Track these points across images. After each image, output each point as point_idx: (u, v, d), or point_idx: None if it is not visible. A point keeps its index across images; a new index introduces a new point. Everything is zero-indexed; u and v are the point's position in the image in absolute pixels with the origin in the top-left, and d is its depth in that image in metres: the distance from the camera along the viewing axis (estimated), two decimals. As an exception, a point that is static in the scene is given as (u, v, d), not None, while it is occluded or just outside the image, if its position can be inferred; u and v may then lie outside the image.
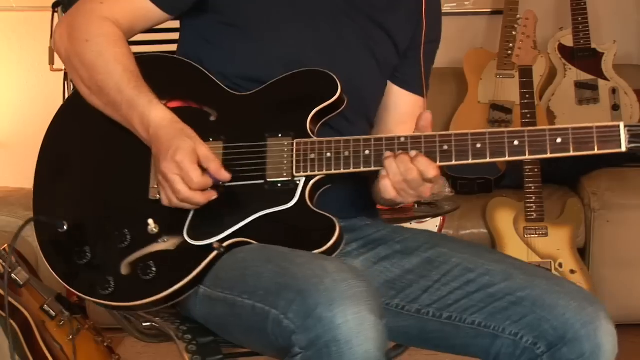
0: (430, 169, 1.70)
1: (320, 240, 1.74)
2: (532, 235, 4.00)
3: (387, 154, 1.72)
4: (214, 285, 1.78)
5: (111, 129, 1.89)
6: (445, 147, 1.70)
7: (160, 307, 1.85)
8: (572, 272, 3.95)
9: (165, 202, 1.78)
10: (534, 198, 4.01)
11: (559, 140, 1.63)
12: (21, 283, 2.97)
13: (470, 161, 1.69)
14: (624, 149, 1.59)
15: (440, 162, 1.70)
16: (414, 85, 2.07)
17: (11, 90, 5.13)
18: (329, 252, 1.74)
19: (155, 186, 1.84)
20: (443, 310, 1.81)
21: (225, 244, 1.78)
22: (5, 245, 2.97)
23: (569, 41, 4.70)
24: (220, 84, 1.92)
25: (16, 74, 5.14)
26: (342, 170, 1.76)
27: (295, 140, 1.80)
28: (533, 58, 4.07)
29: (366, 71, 1.99)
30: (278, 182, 1.79)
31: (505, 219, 4.05)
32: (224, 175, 1.77)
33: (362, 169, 1.75)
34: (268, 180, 1.80)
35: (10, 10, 5.08)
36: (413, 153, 1.70)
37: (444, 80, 4.69)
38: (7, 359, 2.70)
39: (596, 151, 1.60)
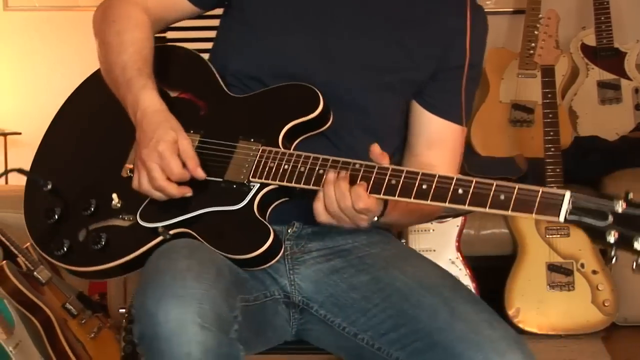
0: (360, 200, 1.67)
1: (249, 247, 1.76)
2: (554, 236, 3.98)
3: (329, 177, 1.71)
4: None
5: (109, 106, 1.96)
6: (393, 182, 1.67)
7: (109, 278, 1.94)
8: (594, 272, 3.93)
9: (135, 184, 1.82)
10: (555, 198, 3.99)
11: (502, 197, 1.59)
12: (43, 281, 3.00)
13: (411, 200, 1.66)
14: (561, 219, 1.55)
15: (383, 194, 1.68)
16: (445, 110, 2.01)
17: (35, 88, 5.17)
18: (256, 261, 1.77)
19: (130, 166, 1.90)
20: (375, 339, 1.79)
21: (171, 232, 1.82)
22: (28, 243, 2.99)
23: (591, 40, 4.68)
24: (220, 82, 1.97)
25: (41, 73, 5.17)
26: (292, 184, 1.76)
27: (262, 147, 1.82)
28: (555, 57, 4.06)
29: (374, 88, 1.95)
30: (234, 182, 1.81)
31: (527, 219, 4.04)
32: (200, 173, 1.80)
33: (310, 187, 1.75)
34: (225, 179, 1.82)
35: (33, 10, 5.12)
36: (360, 182, 1.69)
37: (465, 80, 4.66)
38: (31, 356, 2.71)
39: (533, 215, 1.57)
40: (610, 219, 1.52)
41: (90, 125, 2.08)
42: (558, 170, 3.96)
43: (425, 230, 3.86)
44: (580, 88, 4.67)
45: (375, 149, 1.71)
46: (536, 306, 3.95)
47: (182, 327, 1.52)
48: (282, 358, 2.07)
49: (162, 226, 1.82)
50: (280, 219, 1.86)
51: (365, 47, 1.94)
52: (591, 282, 3.93)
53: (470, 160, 4.47)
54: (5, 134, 5.18)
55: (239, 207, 1.79)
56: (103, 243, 1.86)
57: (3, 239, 3.01)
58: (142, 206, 1.85)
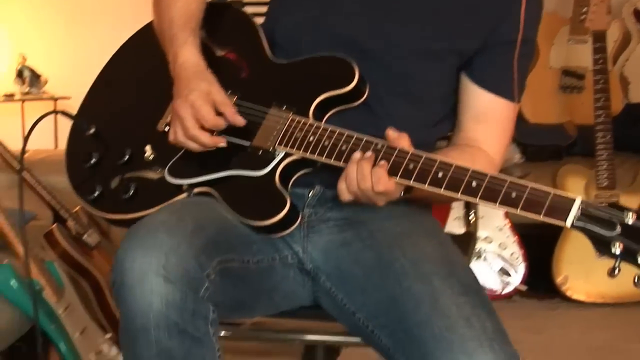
0: (380, 183, 1.67)
1: (264, 215, 1.78)
2: (603, 203, 3.94)
3: (354, 157, 1.71)
4: None
5: (155, 59, 1.99)
6: (411, 166, 1.66)
7: None
8: (644, 240, 3.89)
9: (171, 137, 1.84)
10: (605, 165, 3.96)
11: (513, 194, 1.57)
12: (92, 245, 3.03)
13: (425, 187, 1.65)
14: (568, 224, 1.54)
15: (399, 178, 1.67)
16: (494, 85, 1.95)
17: (85, 53, 5.20)
18: (270, 229, 1.79)
19: (167, 119, 1.92)
20: (369, 321, 1.77)
21: (195, 190, 1.85)
22: (78, 207, 3.02)
23: (644, 6, 4.62)
24: (266, 46, 1.98)
25: (91, 37, 5.20)
26: (315, 157, 1.76)
27: (292, 116, 1.83)
28: (607, 23, 4.01)
29: (422, 55, 1.91)
30: (260, 148, 1.83)
31: (576, 186, 4.02)
32: (239, 119, 1.82)
33: (332, 162, 1.75)
34: (252, 144, 1.84)
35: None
36: (381, 162, 1.68)
37: (515, 46, 4.62)
38: (80, 319, 2.74)
39: (541, 217, 1.55)
40: (618, 229, 1.51)
41: (135, 76, 2.13)
42: (608, 137, 3.92)
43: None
44: (632, 54, 4.62)
45: (391, 132, 1.71)
46: (584, 274, 3.93)
47: (145, 277, 1.55)
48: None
49: (187, 184, 1.86)
50: (304, 182, 1.87)
51: (415, 13, 1.91)
52: (640, 250, 3.89)
53: (520, 127, 4.44)
54: (55, 99, 5.24)
55: (262, 173, 1.81)
56: (131, 193, 1.90)
57: (53, 202, 3.04)
58: (172, 162, 1.88)
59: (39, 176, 3.14)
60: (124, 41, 2.19)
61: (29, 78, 5.24)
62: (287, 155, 1.81)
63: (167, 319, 1.56)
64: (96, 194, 1.94)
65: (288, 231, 1.81)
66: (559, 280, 3.93)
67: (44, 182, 3.13)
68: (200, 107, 1.79)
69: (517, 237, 3.89)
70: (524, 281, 4.09)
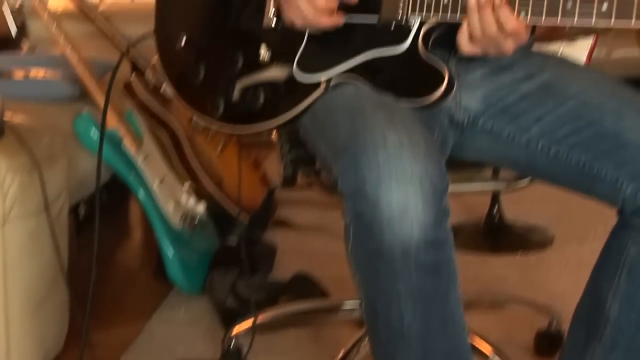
0: (509, 22, 1.59)
1: (424, 91, 1.69)
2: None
3: (471, 4, 1.62)
4: (311, 118, 1.78)
5: None
6: (569, 5, 1.55)
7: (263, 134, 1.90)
8: None
9: (288, 22, 1.77)
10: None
11: None
12: (170, 96, 3.03)
13: (558, 22, 1.56)
14: None
15: (531, 16, 1.58)
16: None
17: None
18: (433, 105, 1.70)
19: (271, 15, 1.82)
20: (552, 144, 1.75)
21: (332, 83, 1.75)
22: (156, 57, 3.02)
23: None
24: None
25: None
26: (457, 19, 1.65)
27: None
28: None
29: None
30: (391, 21, 1.72)
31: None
32: None
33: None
34: (382, 18, 1.73)
35: None
36: (497, 1, 1.59)
37: None
38: (159, 168, 2.78)
39: None
40: None
41: None
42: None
43: (554, 53, 3.74)
44: None
45: None
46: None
47: (406, 211, 1.47)
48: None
49: (325, 78, 1.76)
50: (443, 42, 1.76)
51: None
52: None
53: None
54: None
55: (403, 48, 1.71)
56: (262, 99, 1.81)
57: (132, 53, 3.05)
58: (297, 57, 1.79)
59: (117, 26, 3.15)
60: None
61: None
62: (422, 23, 1.70)
63: (426, 244, 1.50)
64: (221, 109, 1.86)
65: (449, 99, 1.71)
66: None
67: (122, 32, 3.14)
68: None
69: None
70: None
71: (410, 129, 1.56)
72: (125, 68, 3.06)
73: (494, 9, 1.60)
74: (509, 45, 1.64)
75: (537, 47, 1.99)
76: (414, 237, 1.48)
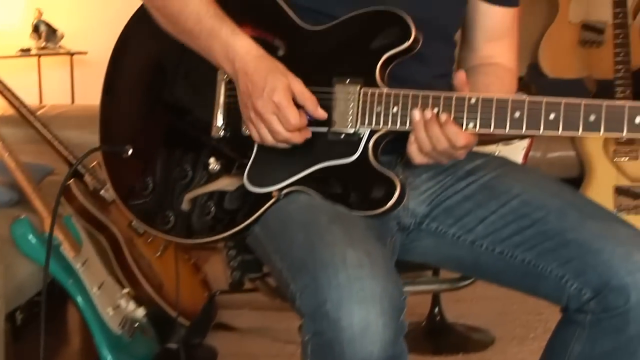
0: (460, 137, 1.63)
1: (377, 201, 1.70)
2: (622, 158, 3.92)
3: (415, 119, 1.66)
4: (263, 227, 1.77)
5: (180, 55, 1.86)
6: (517, 114, 1.61)
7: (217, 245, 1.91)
8: (664, 195, 3.88)
9: (257, 140, 1.75)
10: (625, 120, 3.92)
11: (592, 118, 1.56)
12: (109, 200, 3.01)
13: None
14: None
15: (509, 129, 1.62)
16: None
17: (101, 7, 5.18)
18: (385, 213, 1.71)
19: (219, 124, 1.81)
20: (496, 244, 1.76)
21: (284, 192, 1.75)
22: (95, 162, 3.01)
23: (666, -43, 4.55)
24: (290, 13, 1.81)
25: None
26: (406, 129, 1.69)
27: (362, 90, 1.72)
28: (628, -24, 3.96)
29: None
30: (341, 132, 1.73)
31: (594, 141, 3.98)
32: (321, 114, 1.71)
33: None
34: (332, 130, 1.74)
35: None
36: (443, 118, 1.64)
37: (534, 0, 4.59)
38: (98, 274, 2.75)
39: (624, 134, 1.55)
40: None
41: (157, 77, 1.94)
42: (628, 92, 3.88)
43: (491, 153, 3.80)
44: (653, 7, 4.56)
45: (462, 76, 1.68)
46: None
47: (367, 330, 1.47)
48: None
49: (276, 189, 1.75)
50: (389, 149, 1.78)
51: None
52: (660, 205, 3.88)
53: (539, 82, 4.41)
54: (71, 54, 5.21)
55: (354, 159, 1.72)
56: (213, 212, 1.80)
57: (70, 157, 3.04)
58: (247, 169, 1.78)
59: (55, 131, 3.14)
60: None
61: (45, 33, 5.21)
62: (372, 132, 1.72)
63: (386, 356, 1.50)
64: (171, 222, 1.84)
65: (401, 206, 1.72)
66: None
67: (61, 136, 3.13)
68: (286, 109, 1.68)
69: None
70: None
71: (369, 247, 1.57)
72: (64, 172, 3.04)
73: (441, 126, 1.64)
74: (461, 155, 1.69)
75: (475, 147, 2.03)
76: (374, 355, 1.48)
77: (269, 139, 1.72)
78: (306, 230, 1.63)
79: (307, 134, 1.73)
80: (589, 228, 1.67)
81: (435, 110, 1.65)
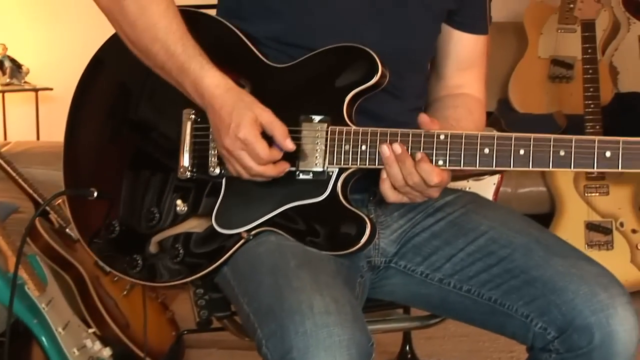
0: (433, 175, 1.63)
1: (348, 241, 1.69)
2: (593, 194, 3.93)
3: (385, 155, 1.65)
4: (231, 268, 1.76)
5: (145, 94, 1.85)
6: (487, 151, 1.62)
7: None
8: (634, 231, 3.88)
9: (234, 174, 1.72)
10: (594, 155, 3.93)
11: (562, 152, 1.58)
12: (75, 238, 2.97)
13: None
14: None
15: (479, 165, 1.63)
16: (476, 26, 1.96)
17: (67, 44, 5.16)
18: (356, 252, 1.71)
19: (185, 164, 1.78)
20: (463, 282, 1.76)
21: (253, 232, 1.73)
22: (60, 200, 2.98)
23: (633, -6, 4.60)
24: (255, 50, 1.79)
25: (72, 28, 5.15)
26: (376, 166, 1.68)
27: (330, 128, 1.71)
28: (596, 11, 3.98)
29: (421, 29, 1.88)
30: (310, 171, 1.72)
31: (565, 176, 3.99)
32: (290, 145, 1.68)
33: None
34: (300, 169, 1.72)
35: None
36: (418, 156, 1.64)
37: (504, 35, 4.61)
38: (63, 313, 2.71)
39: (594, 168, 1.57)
40: None
41: (120, 118, 1.92)
42: (598, 127, 3.89)
43: (462, 188, 3.80)
44: (621, 43, 4.61)
45: (424, 118, 1.66)
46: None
47: None
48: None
49: (245, 230, 1.73)
50: (360, 187, 1.79)
51: None
52: (630, 241, 3.88)
53: (508, 117, 4.42)
54: (36, 90, 5.18)
55: (323, 198, 1.71)
56: (181, 255, 1.78)
57: (35, 195, 3.00)
58: (215, 210, 1.76)
59: (21, 168, 3.10)
60: (106, 32, 1.89)
61: (10, 69, 5.18)
62: (341, 170, 1.70)
63: None
64: (139, 265, 1.82)
65: (370, 245, 1.72)
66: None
67: (26, 174, 3.09)
68: (254, 144, 1.64)
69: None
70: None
71: (336, 293, 1.56)
72: (29, 210, 3.01)
73: (415, 164, 1.63)
74: (435, 192, 1.68)
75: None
76: None
77: (244, 175, 1.70)
78: (274, 275, 1.61)
79: (285, 165, 1.70)
80: (554, 265, 1.67)
81: (405, 147, 1.65)
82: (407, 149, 1.65)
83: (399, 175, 1.65)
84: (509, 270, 1.71)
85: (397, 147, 1.64)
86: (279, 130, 1.68)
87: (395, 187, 1.67)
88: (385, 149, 1.65)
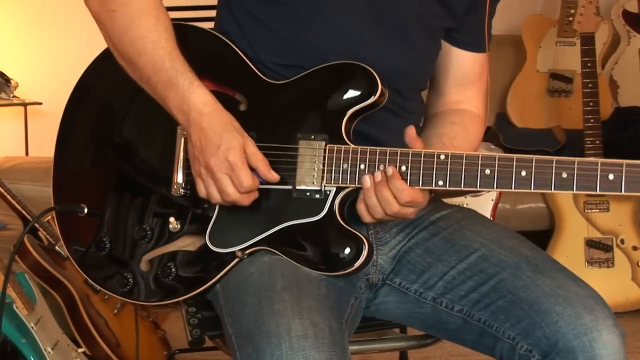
0: (404, 193, 1.62)
1: (345, 262, 1.67)
2: (593, 210, 3.91)
3: (366, 184, 1.66)
4: (223, 287, 1.74)
5: (137, 109, 1.83)
6: (488, 172, 1.60)
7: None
8: (635, 248, 3.86)
9: (202, 195, 1.69)
10: (594, 171, 3.91)
11: (564, 175, 1.56)
12: (65, 256, 2.95)
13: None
14: None
15: (480, 187, 1.62)
16: (475, 44, 1.95)
17: (56, 58, 5.13)
18: (353, 273, 1.69)
19: (179, 181, 1.76)
20: (455, 302, 1.75)
21: (247, 252, 1.71)
22: (49, 217, 2.94)
23: (633, 7, 4.59)
24: (252, 67, 1.78)
25: (62, 43, 5.13)
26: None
27: (328, 147, 1.69)
28: (595, 25, 3.97)
29: (421, 47, 1.86)
30: (307, 190, 1.70)
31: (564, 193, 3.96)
32: (273, 177, 1.68)
33: None
34: (297, 187, 1.70)
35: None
36: (389, 171, 1.63)
37: (501, 48, 4.59)
38: (52, 332, 2.67)
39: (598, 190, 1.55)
40: None
41: (112, 134, 1.88)
42: (597, 142, 3.87)
43: (459, 204, 3.78)
44: (621, 57, 4.60)
45: (412, 131, 1.66)
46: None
47: None
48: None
49: (239, 249, 1.71)
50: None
51: (412, 8, 1.81)
52: (631, 258, 3.87)
53: (507, 132, 4.40)
54: (25, 104, 5.15)
55: (320, 217, 1.69)
56: (174, 273, 1.76)
57: (24, 212, 2.98)
58: (209, 229, 1.73)
59: (9, 184, 3.07)
60: (96, 46, 1.87)
61: (-1, 83, 5.17)
62: (338, 189, 1.68)
63: None
64: (130, 283, 1.80)
65: (367, 266, 1.70)
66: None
67: (15, 190, 3.06)
68: (240, 171, 1.63)
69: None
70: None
71: (317, 317, 1.55)
72: (17, 227, 2.98)
73: (387, 181, 1.63)
74: (411, 213, 1.68)
75: (444, 198, 2.02)
76: None
77: (217, 198, 1.68)
78: (258, 296, 1.60)
79: (255, 195, 1.69)
80: (540, 286, 1.66)
81: (404, 167, 1.64)
82: (407, 169, 1.64)
83: (374, 200, 1.65)
84: (497, 289, 1.71)
85: (378, 175, 1.64)
86: (262, 162, 1.67)
87: (370, 212, 1.68)
88: (367, 178, 1.66)
